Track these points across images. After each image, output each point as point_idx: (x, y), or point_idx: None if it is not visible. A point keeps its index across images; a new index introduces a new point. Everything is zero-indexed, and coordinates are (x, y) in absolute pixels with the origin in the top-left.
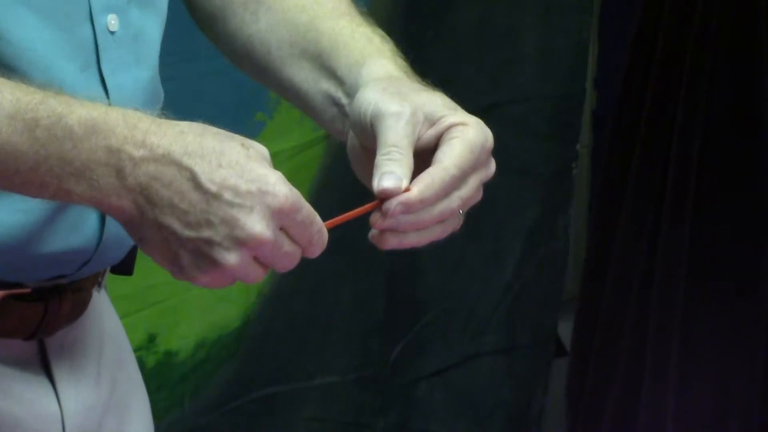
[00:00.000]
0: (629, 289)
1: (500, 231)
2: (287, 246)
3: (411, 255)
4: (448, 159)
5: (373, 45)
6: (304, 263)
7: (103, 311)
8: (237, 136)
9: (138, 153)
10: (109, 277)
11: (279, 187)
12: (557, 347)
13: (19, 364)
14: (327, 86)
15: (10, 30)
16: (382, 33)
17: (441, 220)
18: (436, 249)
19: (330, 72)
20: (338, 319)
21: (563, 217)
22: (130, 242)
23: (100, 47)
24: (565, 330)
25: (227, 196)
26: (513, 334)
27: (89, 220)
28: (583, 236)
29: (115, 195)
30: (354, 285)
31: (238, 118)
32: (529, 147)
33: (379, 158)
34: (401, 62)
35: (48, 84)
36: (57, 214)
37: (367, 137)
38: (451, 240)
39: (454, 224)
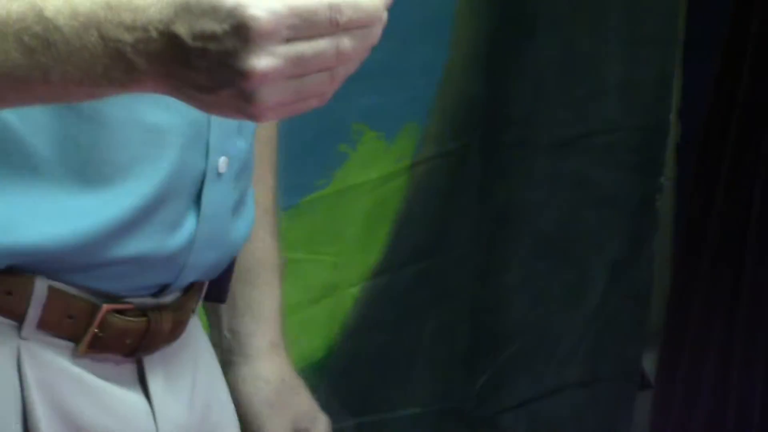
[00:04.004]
0: (714, 321)
1: (584, 262)
2: (312, 48)
3: (496, 286)
4: None
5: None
6: (389, 296)
7: (198, 336)
8: None
9: (131, 38)
10: None
11: (249, 13)
12: (642, 380)
13: (119, 381)
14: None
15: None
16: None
17: None
18: (520, 280)
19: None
20: (422, 349)
21: (647, 249)
22: (222, 244)
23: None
24: (650, 362)
25: (212, 47)
26: (597, 366)
27: (189, 218)
28: (667, 268)
29: (135, 82)
30: (438, 315)
31: (322, 150)
32: (613, 178)
33: None
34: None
35: None
36: (156, 212)
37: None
38: (535, 271)
39: None
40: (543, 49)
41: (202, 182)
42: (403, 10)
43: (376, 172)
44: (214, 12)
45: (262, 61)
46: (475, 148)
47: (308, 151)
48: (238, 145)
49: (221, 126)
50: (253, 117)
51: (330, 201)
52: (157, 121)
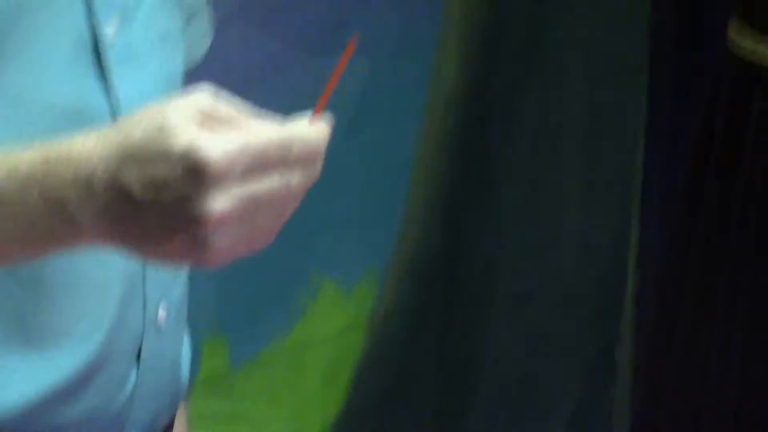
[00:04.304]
0: None
1: (544, 413)
2: (265, 186)
3: None
4: None
5: None
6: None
7: None
8: (162, 113)
9: (74, 194)
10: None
11: (202, 155)
12: None
13: None
14: None
15: None
16: None
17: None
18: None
19: None
20: None
21: (606, 400)
22: (164, 395)
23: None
24: None
25: (164, 194)
26: None
27: (132, 372)
28: (627, 417)
29: (79, 237)
30: None
31: (281, 301)
32: (571, 328)
33: None
34: None
35: None
36: (101, 370)
37: None
38: (495, 422)
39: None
40: (501, 198)
41: (142, 335)
42: (362, 160)
43: (337, 323)
44: (165, 156)
45: (218, 204)
46: (435, 300)
47: (267, 302)
48: (174, 293)
49: (157, 275)
50: (204, 263)
51: (290, 353)
52: (95, 278)
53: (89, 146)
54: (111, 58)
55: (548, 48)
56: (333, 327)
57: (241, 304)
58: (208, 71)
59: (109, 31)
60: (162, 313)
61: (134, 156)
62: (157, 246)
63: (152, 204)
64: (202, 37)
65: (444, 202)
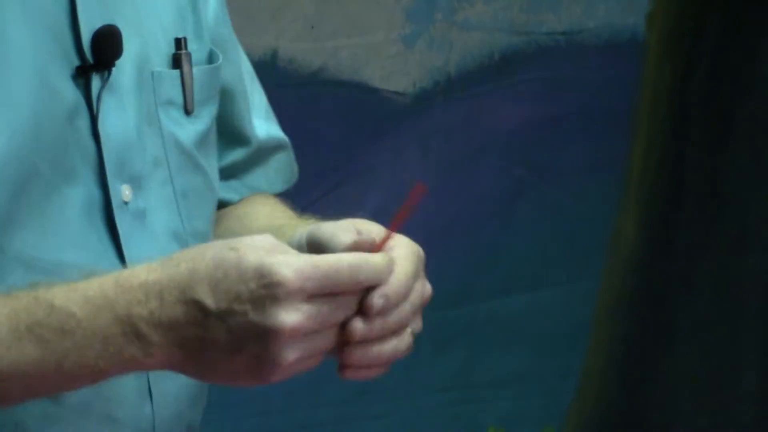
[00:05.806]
0: None
1: None
2: (331, 305)
3: None
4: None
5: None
6: None
7: None
8: (231, 241)
9: (145, 311)
10: None
11: (276, 271)
12: None
13: None
14: None
15: None
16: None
17: (397, 331)
18: None
19: None
20: None
21: None
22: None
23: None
24: None
25: (237, 306)
26: None
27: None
28: None
29: (148, 356)
30: None
31: None
32: None
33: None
34: None
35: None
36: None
37: None
38: None
39: (404, 345)
40: (680, 355)
41: None
42: (540, 318)
43: None
44: (239, 273)
45: (291, 317)
46: None
47: None
48: None
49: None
50: (269, 377)
51: None
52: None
53: (155, 271)
54: (123, 220)
55: (728, 210)
56: None
57: None
58: None
59: (123, 195)
60: None
61: (206, 273)
62: (225, 360)
63: (224, 314)
64: (284, 171)
65: (622, 359)
